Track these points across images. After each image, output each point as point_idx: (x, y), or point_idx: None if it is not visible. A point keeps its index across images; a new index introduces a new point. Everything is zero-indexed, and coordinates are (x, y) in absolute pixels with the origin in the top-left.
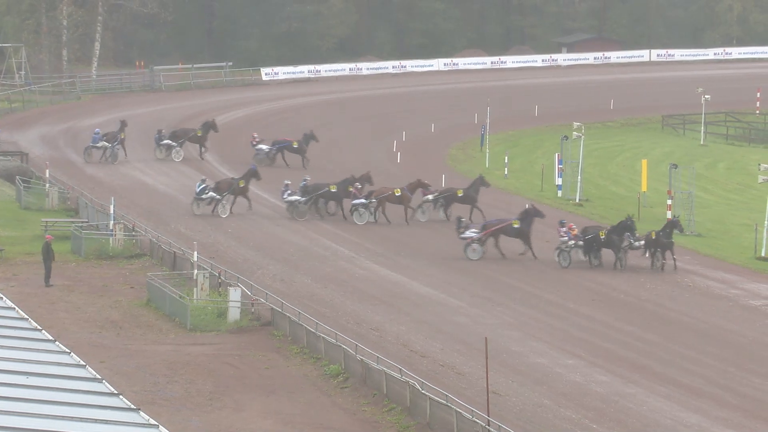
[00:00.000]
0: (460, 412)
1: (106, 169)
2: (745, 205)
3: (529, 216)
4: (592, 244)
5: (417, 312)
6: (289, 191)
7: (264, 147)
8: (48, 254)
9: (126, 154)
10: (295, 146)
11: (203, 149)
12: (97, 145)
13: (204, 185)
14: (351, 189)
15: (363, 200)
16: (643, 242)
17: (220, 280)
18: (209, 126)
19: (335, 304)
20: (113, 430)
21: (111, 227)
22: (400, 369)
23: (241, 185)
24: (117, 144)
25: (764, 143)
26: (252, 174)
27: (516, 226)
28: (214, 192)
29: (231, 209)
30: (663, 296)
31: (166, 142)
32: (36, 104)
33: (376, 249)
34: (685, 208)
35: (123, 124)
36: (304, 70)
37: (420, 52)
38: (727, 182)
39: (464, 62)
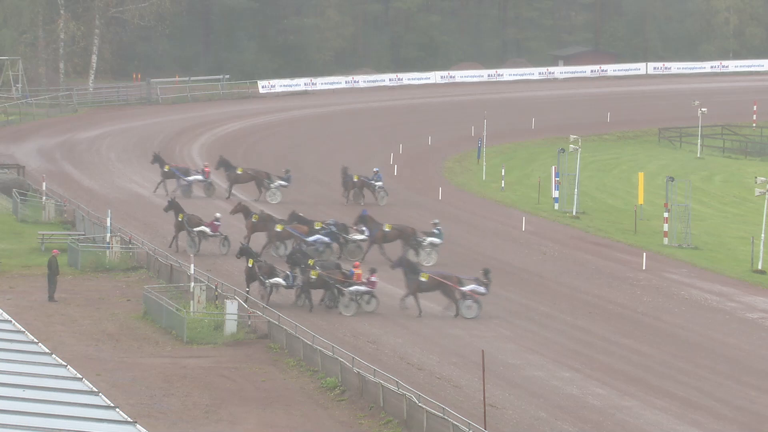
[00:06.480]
0: (457, 425)
1: (102, 182)
2: (742, 218)
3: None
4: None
5: (413, 325)
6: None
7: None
8: (55, 269)
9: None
10: None
11: None
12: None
13: None
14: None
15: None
16: None
17: (216, 293)
18: None
19: (331, 317)
20: None
21: (108, 240)
22: (397, 382)
23: None
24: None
25: (761, 156)
26: None
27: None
28: None
29: None
30: (659, 309)
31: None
32: (33, 117)
33: (371, 261)
34: (682, 221)
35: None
36: (300, 83)
37: (416, 65)
38: (723, 195)
39: (461, 75)
